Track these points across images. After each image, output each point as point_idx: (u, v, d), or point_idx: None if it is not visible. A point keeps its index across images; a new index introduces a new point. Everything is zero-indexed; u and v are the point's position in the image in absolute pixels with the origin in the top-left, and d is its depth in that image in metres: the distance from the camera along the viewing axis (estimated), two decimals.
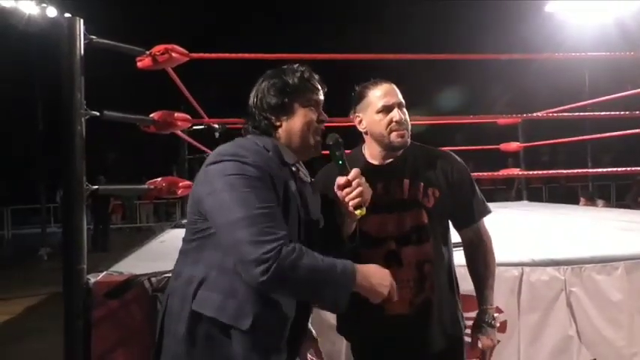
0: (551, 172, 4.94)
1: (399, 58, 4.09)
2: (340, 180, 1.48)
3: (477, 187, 1.85)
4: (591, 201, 6.82)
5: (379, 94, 1.76)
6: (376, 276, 1.39)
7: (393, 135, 1.74)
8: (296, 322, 1.46)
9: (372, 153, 1.83)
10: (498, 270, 1.95)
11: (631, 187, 12.98)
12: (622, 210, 6.12)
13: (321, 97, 1.54)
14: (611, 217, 4.70)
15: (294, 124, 1.48)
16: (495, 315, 1.80)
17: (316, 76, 1.54)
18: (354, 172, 1.47)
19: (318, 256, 1.32)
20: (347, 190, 1.47)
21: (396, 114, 1.73)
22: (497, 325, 1.81)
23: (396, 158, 1.81)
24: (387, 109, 1.74)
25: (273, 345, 1.40)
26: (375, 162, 1.81)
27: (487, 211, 1.86)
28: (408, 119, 1.79)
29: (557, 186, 16.08)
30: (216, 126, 5.65)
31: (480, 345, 1.81)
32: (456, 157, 1.88)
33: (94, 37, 2.46)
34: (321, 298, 1.36)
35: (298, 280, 1.28)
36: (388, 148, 1.78)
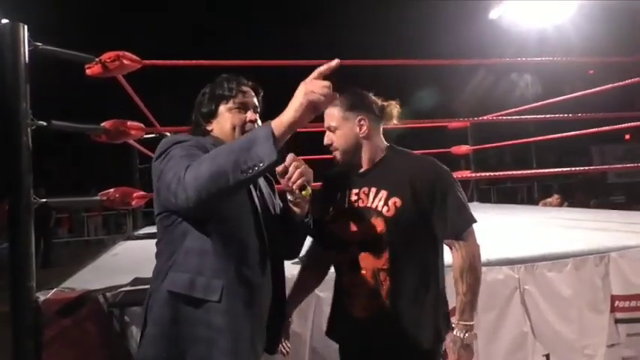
0: (502, 173, 5.11)
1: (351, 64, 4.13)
2: (278, 169, 1.53)
3: (455, 199, 1.73)
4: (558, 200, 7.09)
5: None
6: (293, 100, 1.30)
7: None
8: (274, 301, 1.64)
9: (364, 159, 1.83)
10: None
11: (574, 187, 13.64)
12: (569, 209, 6.40)
13: (251, 99, 1.68)
14: (558, 215, 4.91)
15: (223, 126, 1.64)
16: (466, 334, 1.67)
17: (247, 82, 1.70)
18: (289, 157, 1.54)
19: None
20: (287, 176, 1.54)
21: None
22: (467, 342, 1.67)
23: (377, 165, 1.82)
24: None
25: (247, 312, 1.49)
26: (363, 168, 1.84)
27: (465, 225, 1.74)
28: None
29: (503, 187, 16.70)
30: (169, 135, 5.53)
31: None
32: (435, 166, 1.78)
33: (39, 43, 2.36)
34: (240, 165, 1.29)
35: (206, 178, 1.31)
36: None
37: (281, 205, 1.77)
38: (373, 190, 1.77)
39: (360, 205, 1.77)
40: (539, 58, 5.31)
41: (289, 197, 1.65)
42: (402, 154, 1.85)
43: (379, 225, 1.72)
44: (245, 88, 1.68)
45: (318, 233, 1.85)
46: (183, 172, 1.35)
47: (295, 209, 1.65)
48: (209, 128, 1.68)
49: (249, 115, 1.65)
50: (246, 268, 1.52)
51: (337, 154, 1.83)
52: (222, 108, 1.66)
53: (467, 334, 1.67)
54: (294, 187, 1.53)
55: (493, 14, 10.38)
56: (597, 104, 5.57)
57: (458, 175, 5.11)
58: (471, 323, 1.69)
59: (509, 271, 2.64)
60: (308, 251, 1.96)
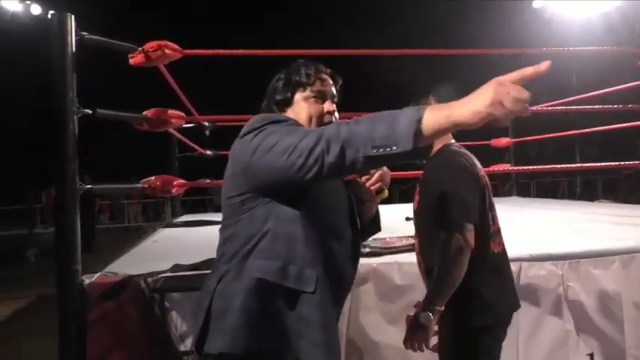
0: (542, 167, 4.95)
1: (390, 53, 4.07)
2: None
3: (447, 198, 1.81)
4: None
5: None
6: (472, 99, 1.04)
7: None
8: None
9: None
10: None
11: (619, 183, 13.16)
12: (616, 205, 6.19)
13: (329, 88, 1.54)
14: (605, 212, 4.74)
15: (299, 116, 1.50)
16: (422, 314, 1.74)
17: (325, 70, 1.56)
18: None
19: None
20: (367, 176, 1.50)
21: None
22: (422, 322, 1.73)
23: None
24: None
25: (335, 308, 1.44)
26: None
27: (453, 223, 1.78)
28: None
29: (543, 181, 16.25)
30: (207, 124, 5.61)
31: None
32: (433, 167, 1.97)
33: (85, 33, 2.42)
34: (374, 137, 1.12)
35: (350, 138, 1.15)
36: None
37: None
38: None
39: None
40: (582, 48, 5.11)
41: (364, 197, 1.57)
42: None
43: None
44: (323, 76, 1.55)
45: None
46: (332, 130, 1.18)
47: (365, 209, 1.60)
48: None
49: (327, 105, 1.52)
50: (340, 260, 1.44)
51: None
52: (298, 96, 1.53)
53: (422, 314, 1.74)
54: (372, 188, 1.51)
55: (536, 3, 10.08)
56: None
57: (497, 168, 5.00)
58: (433, 307, 1.75)
59: (553, 267, 2.56)
60: None
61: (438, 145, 1.98)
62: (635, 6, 10.50)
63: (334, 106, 1.55)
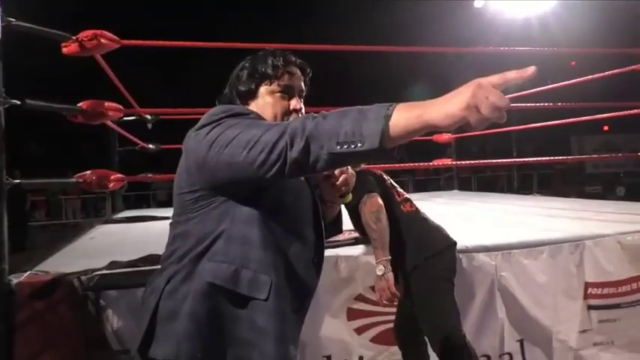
0: (482, 161, 5.16)
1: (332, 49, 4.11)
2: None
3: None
4: None
5: None
6: (449, 99, 0.96)
7: None
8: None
9: None
10: None
11: (552, 177, 13.86)
12: (550, 198, 6.52)
13: (297, 83, 1.43)
14: (539, 204, 4.98)
15: (263, 111, 1.39)
16: (380, 267, 2.19)
17: (295, 60, 1.44)
18: None
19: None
20: (332, 180, 1.42)
21: None
22: (378, 274, 2.19)
23: None
24: None
25: (295, 317, 1.35)
26: None
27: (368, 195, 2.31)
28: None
29: (484, 176, 16.87)
30: (149, 117, 5.45)
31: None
32: None
33: (12, 19, 2.29)
34: (339, 133, 1.05)
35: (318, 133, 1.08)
36: None
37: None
38: None
39: None
40: (520, 48, 5.33)
41: (327, 198, 1.49)
42: None
43: None
44: (293, 69, 1.42)
45: None
46: (297, 124, 1.10)
47: (327, 211, 1.53)
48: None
49: (294, 103, 1.41)
50: (301, 267, 1.35)
51: None
52: (263, 89, 1.40)
53: (377, 268, 2.20)
54: (337, 190, 1.43)
55: (477, 3, 10.38)
56: (579, 96, 5.61)
57: (439, 162, 5.16)
58: (381, 259, 2.21)
59: (487, 258, 2.67)
60: None
61: None
62: (569, 7, 11.03)
63: (302, 102, 1.44)
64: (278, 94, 1.40)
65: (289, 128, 1.11)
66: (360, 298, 2.56)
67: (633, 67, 4.04)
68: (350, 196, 1.51)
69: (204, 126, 1.27)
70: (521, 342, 2.72)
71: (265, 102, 1.40)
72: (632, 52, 4.52)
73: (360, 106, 1.07)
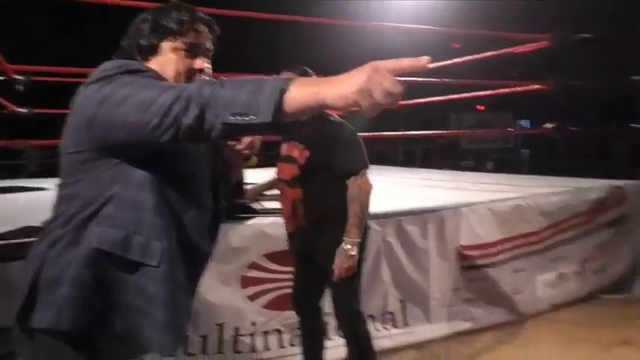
0: (367, 134, 5.37)
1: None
2: None
3: (349, 147, 2.23)
4: None
5: None
6: (342, 81, 0.95)
7: None
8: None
9: None
10: None
11: (433, 151, 14.83)
12: (430, 170, 7.00)
13: (204, 41, 1.34)
14: (420, 176, 5.33)
15: (164, 69, 1.30)
16: (349, 247, 2.13)
17: (203, 17, 1.35)
18: None
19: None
20: (235, 144, 1.37)
21: None
22: (350, 253, 2.12)
23: None
24: None
25: (187, 284, 1.30)
26: None
27: (355, 168, 2.20)
28: None
29: (372, 150, 17.61)
30: (20, 77, 4.94)
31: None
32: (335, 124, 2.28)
33: None
34: (234, 103, 1.02)
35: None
36: None
37: None
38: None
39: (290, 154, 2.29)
40: (407, 25, 5.57)
41: (230, 161, 1.45)
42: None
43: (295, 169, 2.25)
44: (200, 27, 1.32)
45: None
46: (194, 89, 1.05)
47: (231, 174, 1.49)
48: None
49: (199, 62, 1.32)
50: (196, 233, 1.30)
51: None
52: (165, 45, 1.30)
53: (350, 247, 2.12)
54: (240, 154, 1.38)
55: None
56: (461, 77, 6.00)
57: None
58: (355, 240, 2.14)
59: (376, 225, 2.83)
60: None
61: None
62: None
63: (208, 62, 1.35)
64: (182, 52, 1.31)
65: (185, 92, 1.06)
66: (253, 266, 2.59)
67: (508, 49, 4.40)
68: (255, 159, 1.50)
69: (95, 81, 1.18)
70: (402, 302, 2.94)
71: (168, 59, 1.31)
72: (508, 35, 4.91)
73: (259, 78, 1.04)
